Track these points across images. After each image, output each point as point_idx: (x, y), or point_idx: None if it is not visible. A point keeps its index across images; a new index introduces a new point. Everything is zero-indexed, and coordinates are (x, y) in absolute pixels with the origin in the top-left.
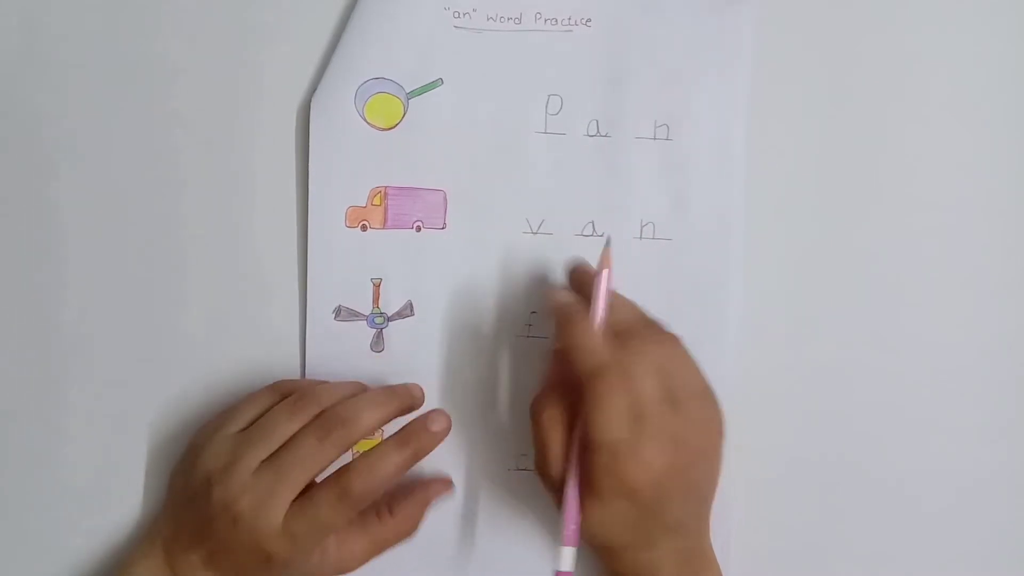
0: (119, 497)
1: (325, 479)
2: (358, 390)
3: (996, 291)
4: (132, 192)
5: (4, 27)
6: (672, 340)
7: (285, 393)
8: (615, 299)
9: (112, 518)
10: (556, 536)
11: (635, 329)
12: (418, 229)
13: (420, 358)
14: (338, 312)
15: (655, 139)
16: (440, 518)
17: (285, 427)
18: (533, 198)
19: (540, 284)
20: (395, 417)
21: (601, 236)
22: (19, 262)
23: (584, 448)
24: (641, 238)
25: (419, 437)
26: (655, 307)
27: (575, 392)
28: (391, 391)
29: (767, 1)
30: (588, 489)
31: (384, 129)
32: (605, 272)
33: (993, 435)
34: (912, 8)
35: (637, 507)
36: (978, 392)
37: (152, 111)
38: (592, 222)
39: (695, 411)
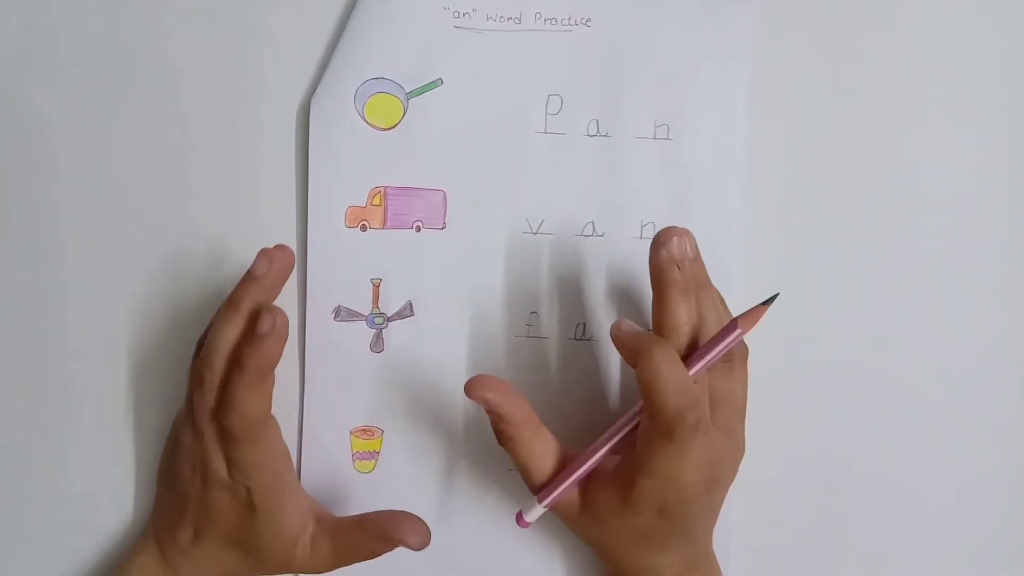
0: (117, 498)
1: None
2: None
3: (996, 291)
4: (132, 192)
5: (4, 27)
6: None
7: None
8: None
9: (110, 521)
10: (556, 535)
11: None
12: (418, 229)
13: (420, 358)
14: (337, 312)
15: (655, 139)
16: (439, 519)
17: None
18: (533, 198)
19: (540, 284)
20: (268, 290)
21: (602, 236)
22: (19, 262)
23: (630, 461)
24: (641, 238)
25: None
26: None
27: None
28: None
29: (767, 1)
30: (621, 495)
31: (384, 129)
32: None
33: (993, 435)
34: (912, 8)
35: (663, 519)
36: (978, 392)
37: (152, 111)
38: (592, 222)
39: (733, 431)
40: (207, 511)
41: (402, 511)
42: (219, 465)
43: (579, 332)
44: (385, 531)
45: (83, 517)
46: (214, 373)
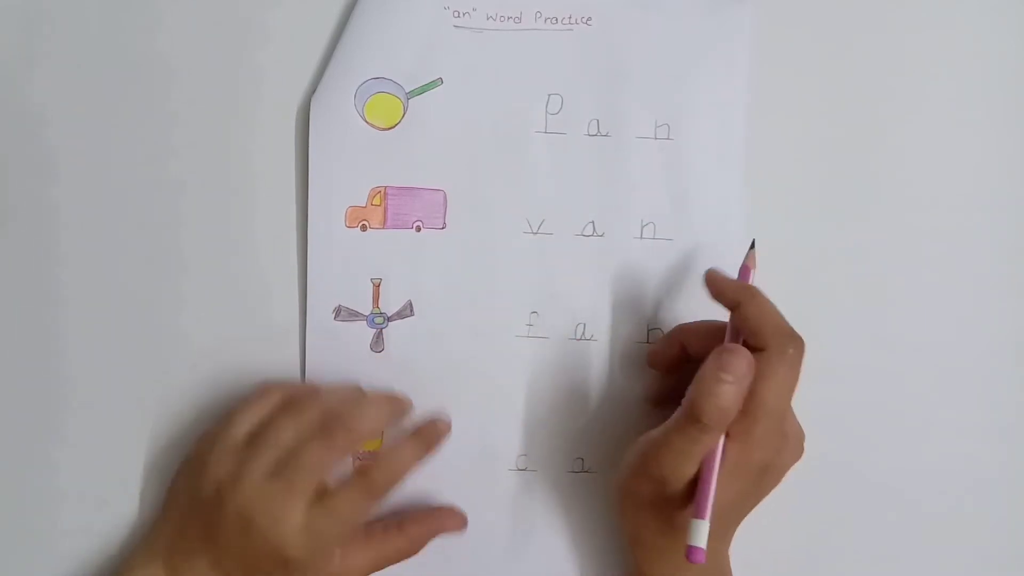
0: (117, 500)
1: (347, 478)
2: (355, 392)
3: (996, 291)
4: (131, 192)
5: (4, 27)
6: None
7: (285, 396)
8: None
9: (110, 522)
10: (555, 535)
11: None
12: (418, 229)
13: (420, 358)
14: (338, 312)
15: (655, 138)
16: None
17: (290, 433)
18: (533, 198)
19: (540, 284)
20: (393, 420)
21: (602, 236)
22: (18, 262)
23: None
24: (642, 238)
25: (429, 432)
26: (655, 307)
27: None
28: (388, 395)
29: (767, 1)
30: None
31: (384, 129)
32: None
33: (993, 435)
34: (912, 8)
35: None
36: (978, 392)
37: (152, 111)
38: (592, 222)
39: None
40: (243, 556)
41: (437, 507)
42: (288, 522)
43: (579, 332)
44: (430, 528)
45: (81, 520)
46: (358, 440)
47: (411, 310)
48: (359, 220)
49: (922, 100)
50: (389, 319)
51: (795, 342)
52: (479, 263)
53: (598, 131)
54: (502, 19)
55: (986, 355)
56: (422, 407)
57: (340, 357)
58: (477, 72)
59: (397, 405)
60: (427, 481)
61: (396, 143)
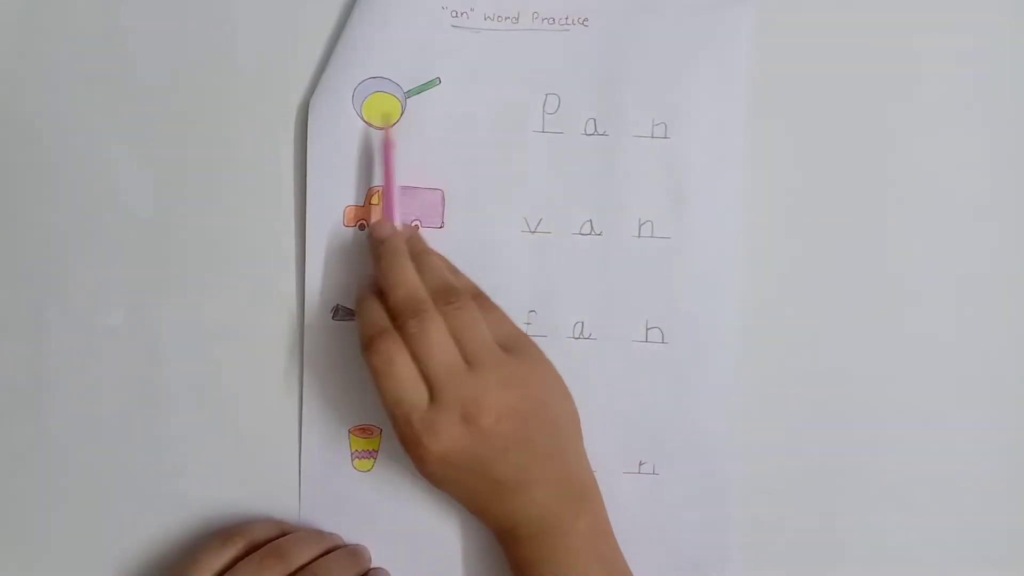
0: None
1: None
2: (320, 543)
3: (996, 291)
4: (131, 192)
5: (3, 27)
6: (462, 303)
7: (246, 545)
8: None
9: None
10: None
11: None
12: (416, 228)
13: None
14: (336, 311)
15: (653, 137)
16: (439, 518)
17: None
18: (531, 197)
19: (538, 282)
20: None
21: (599, 234)
22: (17, 262)
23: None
24: (639, 236)
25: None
26: (653, 306)
27: None
28: (353, 552)
29: (766, 1)
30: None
31: (382, 128)
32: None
33: (993, 435)
34: (912, 8)
35: (454, 471)
36: (978, 392)
37: (151, 111)
38: (590, 221)
39: (496, 369)
40: None
41: None
42: None
43: (577, 330)
44: None
45: (83, 517)
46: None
47: None
48: (358, 219)
49: (922, 99)
50: None
51: (415, 316)
52: (477, 262)
53: (595, 130)
54: (500, 19)
55: (986, 355)
56: None
57: (339, 356)
58: (475, 72)
59: (363, 560)
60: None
61: (395, 143)
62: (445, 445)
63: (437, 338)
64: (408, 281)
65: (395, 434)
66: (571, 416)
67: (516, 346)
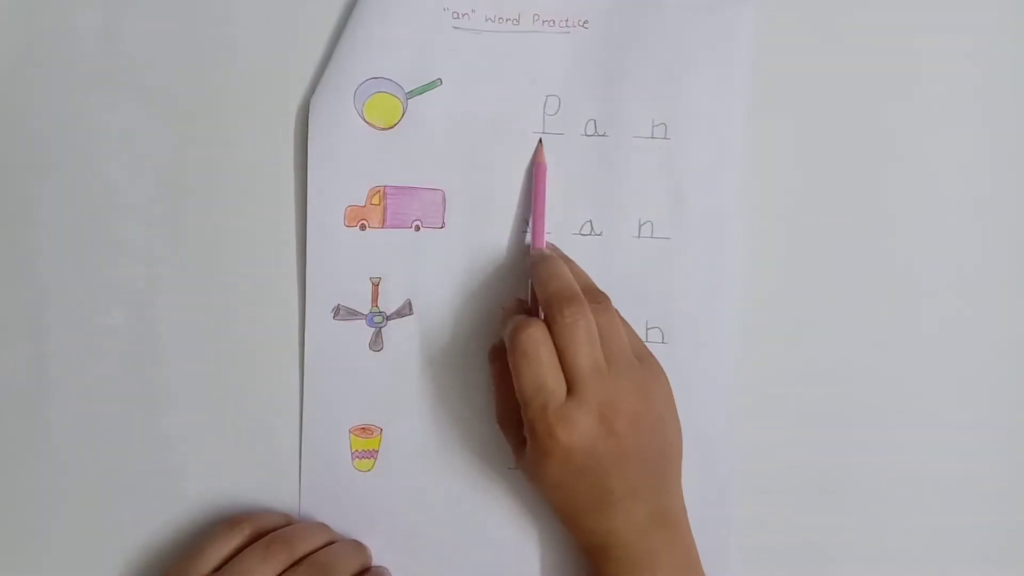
0: (117, 499)
1: None
2: (326, 533)
3: (996, 291)
4: (131, 192)
5: (3, 27)
6: (606, 305)
7: (252, 532)
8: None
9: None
10: (556, 534)
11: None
12: (417, 228)
13: (419, 357)
14: (337, 311)
15: (653, 138)
16: (439, 518)
17: (258, 572)
18: (531, 197)
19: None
20: (361, 567)
21: (600, 235)
22: (17, 262)
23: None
24: (640, 237)
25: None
26: (653, 306)
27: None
28: (358, 544)
29: (766, 1)
30: (528, 442)
31: (383, 129)
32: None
33: (993, 435)
34: (912, 8)
35: (573, 471)
36: (978, 392)
37: (151, 110)
38: (590, 221)
39: (630, 375)
40: None
41: None
42: None
43: None
44: None
45: (83, 516)
46: None
47: (410, 309)
48: (358, 219)
49: (922, 99)
50: (388, 318)
51: (570, 306)
52: (478, 262)
53: (595, 131)
54: (500, 21)
55: (986, 355)
56: (421, 406)
57: (339, 356)
58: (476, 73)
59: (365, 552)
60: (426, 479)
61: (395, 143)
62: (576, 440)
63: (586, 331)
64: (564, 275)
65: (525, 421)
66: (679, 437)
67: (643, 357)
